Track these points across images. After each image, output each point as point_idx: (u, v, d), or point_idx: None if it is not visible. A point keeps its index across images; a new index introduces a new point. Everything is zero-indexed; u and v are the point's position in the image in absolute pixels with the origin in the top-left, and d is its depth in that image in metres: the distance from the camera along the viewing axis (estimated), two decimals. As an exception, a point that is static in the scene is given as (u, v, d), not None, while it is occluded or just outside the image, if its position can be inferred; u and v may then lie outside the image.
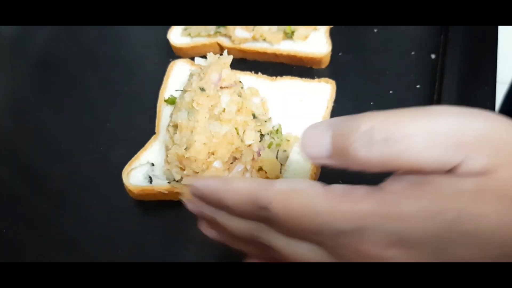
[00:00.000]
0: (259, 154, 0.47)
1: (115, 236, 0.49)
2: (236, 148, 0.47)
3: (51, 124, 0.58)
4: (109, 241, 0.49)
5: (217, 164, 0.46)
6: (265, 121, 0.49)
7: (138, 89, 0.58)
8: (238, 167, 0.47)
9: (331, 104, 0.52)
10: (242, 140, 0.47)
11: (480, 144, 0.28)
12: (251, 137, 0.47)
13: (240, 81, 0.50)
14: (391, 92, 0.53)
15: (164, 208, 0.50)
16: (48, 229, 0.51)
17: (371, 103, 0.53)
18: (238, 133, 0.47)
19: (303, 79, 0.53)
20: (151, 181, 0.49)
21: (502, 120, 0.29)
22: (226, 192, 0.33)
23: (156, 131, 0.53)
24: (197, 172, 0.46)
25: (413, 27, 0.57)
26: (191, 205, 0.37)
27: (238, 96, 0.48)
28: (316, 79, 0.53)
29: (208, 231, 0.38)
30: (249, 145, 0.47)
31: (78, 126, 0.57)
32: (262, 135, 0.48)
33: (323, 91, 0.52)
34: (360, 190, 0.29)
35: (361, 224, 0.28)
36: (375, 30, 0.58)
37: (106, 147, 0.55)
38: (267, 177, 0.47)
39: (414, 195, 0.28)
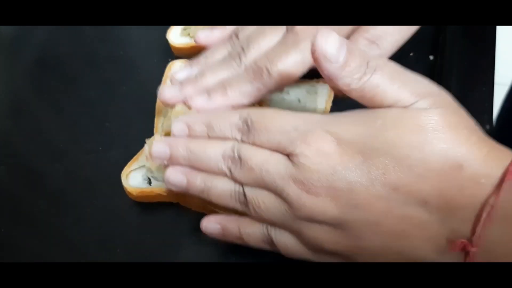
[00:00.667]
0: None
1: (113, 236, 0.50)
2: None
3: (50, 123, 0.58)
4: (108, 241, 0.49)
5: None
6: None
7: (137, 89, 0.58)
8: None
9: (329, 105, 0.52)
10: None
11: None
12: None
13: None
14: (389, 93, 0.53)
15: (163, 208, 0.50)
16: (46, 228, 0.51)
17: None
18: None
19: (302, 80, 0.53)
20: (150, 183, 0.49)
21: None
22: (216, 115, 0.42)
23: (154, 131, 0.53)
24: None
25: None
26: (162, 147, 0.43)
27: None
28: (315, 80, 0.53)
29: (175, 175, 0.43)
30: None
31: (76, 125, 0.57)
32: None
33: (321, 91, 0.52)
34: None
35: (313, 124, 0.38)
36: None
37: (105, 146, 0.55)
38: None
39: (359, 113, 0.38)
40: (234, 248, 0.45)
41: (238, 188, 0.41)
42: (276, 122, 0.39)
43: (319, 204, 0.37)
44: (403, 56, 0.56)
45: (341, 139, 0.36)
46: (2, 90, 0.62)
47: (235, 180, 0.41)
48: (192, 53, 0.56)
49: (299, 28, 0.45)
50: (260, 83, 0.45)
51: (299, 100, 0.52)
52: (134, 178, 0.50)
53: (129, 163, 0.50)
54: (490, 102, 0.51)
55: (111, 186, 0.52)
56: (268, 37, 0.47)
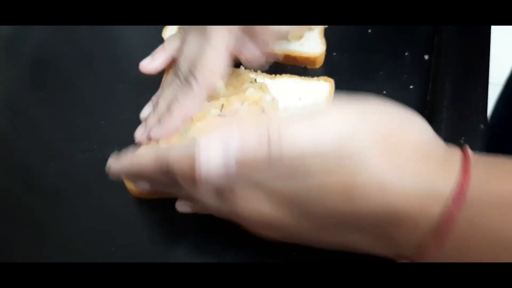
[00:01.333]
0: None
1: (109, 235, 0.49)
2: None
3: (45, 122, 0.58)
4: (104, 240, 0.49)
5: None
6: None
7: (133, 87, 0.58)
8: None
9: (331, 99, 0.52)
10: None
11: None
12: None
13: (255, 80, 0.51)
14: (384, 92, 0.54)
15: (160, 206, 0.50)
16: (41, 227, 0.50)
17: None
18: None
19: (302, 77, 0.54)
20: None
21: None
22: (139, 167, 0.43)
23: None
24: None
25: (407, 28, 0.58)
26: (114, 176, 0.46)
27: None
28: (315, 78, 0.53)
29: (141, 185, 0.47)
30: None
31: (72, 124, 0.57)
32: None
33: (321, 89, 0.53)
34: None
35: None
36: (369, 31, 0.58)
37: (100, 145, 0.55)
38: None
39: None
40: (234, 247, 0.46)
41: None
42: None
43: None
44: (398, 56, 0.56)
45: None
46: (0, 89, 0.61)
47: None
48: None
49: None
50: (189, 89, 0.47)
51: (299, 99, 0.53)
52: None
53: None
54: (485, 102, 0.51)
55: (106, 184, 0.52)
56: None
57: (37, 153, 0.55)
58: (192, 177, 0.36)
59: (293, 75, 0.54)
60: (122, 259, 0.48)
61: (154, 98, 0.52)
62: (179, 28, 0.58)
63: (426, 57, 0.56)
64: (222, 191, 0.37)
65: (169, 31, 0.58)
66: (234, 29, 0.46)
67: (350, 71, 0.54)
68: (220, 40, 0.46)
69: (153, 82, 0.55)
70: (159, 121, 0.48)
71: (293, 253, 0.46)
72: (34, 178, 0.54)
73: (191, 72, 0.47)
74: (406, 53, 0.56)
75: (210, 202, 0.39)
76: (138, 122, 0.55)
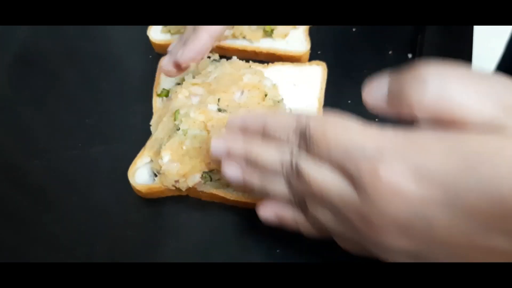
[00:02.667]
0: None
1: (96, 233, 0.49)
2: None
3: (29, 120, 0.58)
4: (88, 238, 0.49)
5: None
6: (278, 102, 0.50)
7: (118, 85, 0.58)
8: None
9: (324, 86, 0.53)
10: None
11: None
12: None
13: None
14: (368, 90, 0.54)
15: (146, 204, 0.50)
16: (27, 225, 0.50)
17: (348, 101, 0.53)
18: None
19: (295, 63, 0.54)
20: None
21: None
22: (273, 117, 0.39)
23: (153, 111, 0.53)
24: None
25: (391, 27, 0.58)
26: (221, 143, 0.41)
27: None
28: (307, 63, 0.54)
29: (233, 170, 0.41)
30: None
31: (56, 122, 0.57)
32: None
33: (314, 73, 0.54)
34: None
35: (386, 148, 0.31)
36: (354, 29, 0.59)
37: (85, 143, 0.55)
38: None
39: (443, 137, 0.30)
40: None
41: (295, 195, 0.38)
42: (338, 139, 0.34)
43: (388, 241, 0.32)
44: (382, 54, 0.57)
45: (421, 174, 0.30)
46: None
47: (292, 187, 0.38)
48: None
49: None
50: None
51: (294, 84, 0.54)
52: (140, 176, 0.50)
53: (134, 161, 0.50)
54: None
55: (92, 182, 0.52)
56: None
57: (21, 151, 0.55)
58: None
59: (285, 62, 0.54)
60: (107, 257, 0.48)
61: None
62: (165, 26, 0.58)
63: (410, 55, 0.56)
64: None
65: (154, 28, 0.58)
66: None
67: (334, 69, 0.55)
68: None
69: (139, 80, 0.55)
70: (184, 43, 0.49)
71: (277, 250, 0.47)
72: (18, 177, 0.54)
73: None
74: (390, 52, 0.57)
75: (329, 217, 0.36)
76: (123, 119, 0.55)
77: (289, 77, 0.54)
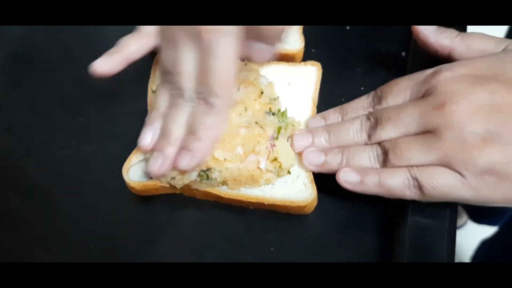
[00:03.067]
0: (272, 146, 0.47)
1: (88, 231, 0.50)
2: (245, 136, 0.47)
3: (23, 118, 0.57)
4: (81, 236, 0.49)
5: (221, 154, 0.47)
6: (274, 99, 0.50)
7: (112, 83, 0.57)
8: (251, 157, 0.47)
9: (318, 86, 0.53)
10: (257, 123, 0.48)
11: None
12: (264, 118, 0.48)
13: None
14: (362, 88, 0.54)
15: (139, 202, 0.50)
16: (19, 224, 0.51)
17: (343, 99, 0.53)
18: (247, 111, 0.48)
19: (289, 63, 0.55)
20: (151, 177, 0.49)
21: None
22: (348, 102, 0.50)
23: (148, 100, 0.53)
24: None
25: (385, 25, 0.58)
26: (305, 136, 0.48)
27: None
28: (302, 63, 0.55)
29: (317, 155, 0.47)
30: (261, 131, 0.47)
31: (50, 120, 0.57)
32: (273, 114, 0.49)
33: (309, 73, 0.54)
34: None
35: (443, 66, 0.45)
36: (348, 28, 0.59)
37: (79, 141, 0.55)
38: (280, 168, 0.47)
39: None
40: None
41: (376, 148, 0.45)
42: (403, 79, 0.46)
43: (465, 117, 0.40)
44: (377, 52, 0.57)
45: (473, 70, 0.43)
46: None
47: (374, 141, 0.45)
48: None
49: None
50: (213, 108, 0.43)
51: (289, 84, 0.54)
52: (134, 173, 0.50)
53: (128, 158, 0.50)
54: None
55: (86, 180, 0.52)
56: None
57: (15, 150, 0.55)
58: None
59: (280, 62, 0.54)
60: (101, 255, 0.48)
61: (152, 122, 0.47)
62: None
63: (403, 53, 0.57)
64: None
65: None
66: (239, 33, 0.42)
67: (328, 67, 0.55)
68: (227, 48, 0.41)
69: (134, 79, 0.55)
70: (185, 149, 0.44)
71: (271, 248, 0.47)
72: (12, 176, 0.54)
73: (208, 90, 0.42)
74: (384, 50, 0.57)
75: None
76: (117, 118, 0.55)
77: (284, 76, 0.54)
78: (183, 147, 0.44)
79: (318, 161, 0.47)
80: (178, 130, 0.45)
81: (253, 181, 0.48)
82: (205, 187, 0.48)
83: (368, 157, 0.45)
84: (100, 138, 0.54)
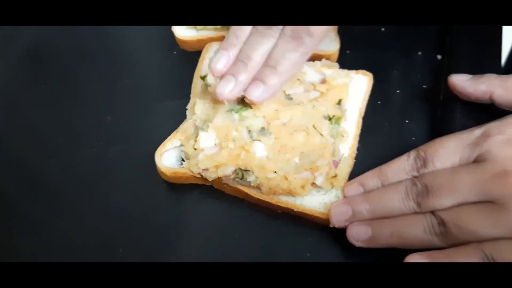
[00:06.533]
0: (336, 163, 0.46)
1: (113, 235, 0.47)
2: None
3: (45, 118, 0.55)
4: (108, 240, 0.47)
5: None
6: (340, 105, 0.49)
7: (140, 82, 0.56)
8: (305, 174, 0.45)
9: (367, 96, 0.52)
10: (314, 128, 0.47)
11: None
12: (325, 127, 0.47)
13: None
14: (397, 91, 0.53)
15: (166, 206, 0.49)
16: (40, 227, 0.48)
17: (378, 102, 0.52)
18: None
19: (340, 69, 0.52)
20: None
21: None
22: (387, 165, 0.44)
23: (191, 96, 0.52)
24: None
25: (420, 27, 0.57)
26: (344, 207, 0.43)
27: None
28: (353, 71, 0.52)
29: (363, 229, 0.42)
30: (324, 141, 0.46)
31: (73, 120, 0.55)
32: (329, 119, 0.48)
33: (359, 82, 0.52)
34: None
35: (491, 127, 0.41)
36: (383, 29, 0.58)
37: (105, 142, 0.53)
38: (332, 183, 0.46)
39: None
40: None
41: (430, 218, 0.40)
42: (449, 140, 0.42)
43: None
44: (411, 55, 0.56)
45: None
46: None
47: (425, 210, 0.40)
48: (198, 46, 0.54)
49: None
50: (302, 46, 0.44)
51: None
52: (167, 159, 0.49)
53: (163, 143, 0.49)
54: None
55: (111, 182, 0.50)
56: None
57: (36, 151, 0.53)
58: None
59: (331, 65, 0.52)
60: (127, 260, 0.46)
61: (227, 48, 0.47)
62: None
63: (439, 57, 0.55)
64: None
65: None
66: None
67: (363, 69, 0.53)
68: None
69: (162, 77, 0.54)
70: (262, 81, 0.45)
71: (307, 254, 0.45)
72: (33, 177, 0.51)
73: (304, 27, 0.44)
74: (419, 53, 0.56)
75: None
76: (144, 116, 0.53)
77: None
78: (257, 79, 0.45)
79: (364, 236, 0.42)
80: (257, 58, 0.45)
81: (290, 193, 0.46)
82: (235, 185, 0.47)
83: (423, 228, 0.40)
84: (127, 139, 0.52)
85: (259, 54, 0.45)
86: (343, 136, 0.48)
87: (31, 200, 0.50)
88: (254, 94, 0.44)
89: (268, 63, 0.45)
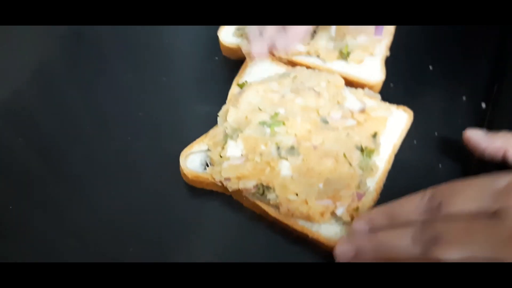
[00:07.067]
0: (361, 196, 0.45)
1: (124, 230, 0.47)
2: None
3: (78, 102, 0.55)
4: (119, 235, 0.47)
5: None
6: (375, 138, 0.48)
7: (178, 82, 0.55)
8: (326, 201, 0.44)
9: (404, 134, 0.50)
10: (345, 157, 0.46)
11: None
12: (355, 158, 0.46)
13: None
14: (435, 133, 0.52)
15: (181, 206, 0.48)
16: (57, 212, 0.48)
17: (414, 141, 0.51)
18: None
19: (381, 101, 0.51)
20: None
21: None
22: (400, 204, 0.41)
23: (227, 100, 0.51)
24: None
25: (468, 70, 0.55)
26: (348, 246, 0.41)
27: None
28: (395, 105, 0.51)
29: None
30: (352, 171, 0.45)
31: (107, 110, 0.54)
32: (361, 150, 0.47)
33: (398, 117, 0.51)
34: None
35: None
36: (431, 67, 0.56)
37: (133, 136, 0.52)
38: (353, 215, 0.44)
39: None
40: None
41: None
42: (469, 186, 0.39)
43: None
44: (456, 98, 0.54)
45: None
46: (33, 61, 0.59)
47: (429, 259, 0.37)
48: (241, 55, 0.53)
49: None
50: None
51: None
52: (192, 161, 0.48)
53: (190, 145, 0.48)
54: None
55: (132, 177, 0.50)
56: None
57: (64, 133, 0.53)
58: None
59: (372, 96, 0.51)
60: (138, 257, 0.45)
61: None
62: (237, 29, 0.56)
63: (483, 105, 0.53)
64: None
65: (226, 30, 0.56)
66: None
67: (404, 105, 0.52)
68: None
69: (199, 79, 0.53)
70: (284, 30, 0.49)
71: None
72: (57, 159, 0.51)
73: None
74: (464, 97, 0.54)
75: None
76: (176, 116, 0.53)
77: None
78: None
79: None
80: None
81: (308, 219, 0.44)
82: (255, 199, 0.46)
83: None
84: (155, 136, 0.52)
85: None
86: (372, 170, 0.47)
87: (51, 182, 0.50)
88: (280, 43, 0.50)
89: None
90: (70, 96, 0.56)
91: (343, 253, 0.41)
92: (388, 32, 0.55)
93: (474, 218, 0.37)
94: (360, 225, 0.42)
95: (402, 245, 0.38)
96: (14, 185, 0.50)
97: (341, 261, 0.41)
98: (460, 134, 0.51)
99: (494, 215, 0.36)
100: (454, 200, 0.38)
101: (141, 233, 0.47)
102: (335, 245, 0.42)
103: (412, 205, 0.40)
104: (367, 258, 0.40)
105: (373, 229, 0.41)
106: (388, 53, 0.55)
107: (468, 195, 0.38)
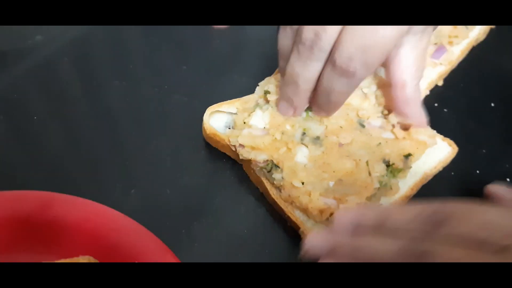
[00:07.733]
0: None
1: (130, 175, 0.48)
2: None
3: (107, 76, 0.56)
4: (122, 177, 0.47)
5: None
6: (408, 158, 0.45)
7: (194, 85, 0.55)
8: (331, 201, 0.43)
9: (441, 167, 0.47)
10: (367, 165, 0.44)
11: None
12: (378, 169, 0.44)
13: None
14: (477, 171, 0.48)
15: (195, 170, 0.48)
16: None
17: (452, 173, 0.48)
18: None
19: (428, 130, 0.48)
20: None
21: None
22: (399, 210, 0.35)
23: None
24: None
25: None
26: (322, 239, 0.35)
27: None
28: (441, 136, 0.48)
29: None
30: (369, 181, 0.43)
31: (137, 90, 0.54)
32: (388, 166, 0.44)
33: (440, 149, 0.48)
34: None
35: None
36: (492, 105, 0.53)
37: (169, 87, 0.53)
38: None
39: None
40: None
41: None
42: (491, 213, 0.32)
43: None
44: (510, 141, 0.50)
45: None
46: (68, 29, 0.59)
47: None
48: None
49: None
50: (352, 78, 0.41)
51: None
52: (216, 120, 0.48)
53: (219, 103, 0.49)
54: None
55: (157, 127, 0.51)
56: None
57: (90, 111, 0.53)
58: None
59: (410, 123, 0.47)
60: (136, 199, 0.45)
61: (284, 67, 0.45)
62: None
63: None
64: None
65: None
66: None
67: (452, 137, 0.49)
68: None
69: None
70: (319, 107, 0.45)
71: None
72: (76, 136, 0.51)
73: (357, 56, 0.39)
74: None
75: None
76: (220, 82, 0.54)
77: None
78: (314, 103, 0.45)
79: None
80: (305, 86, 0.43)
81: (305, 212, 0.43)
82: (260, 175, 0.45)
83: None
84: (192, 93, 0.53)
85: (305, 81, 0.43)
86: (391, 189, 0.44)
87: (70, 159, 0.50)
88: (321, 114, 0.46)
89: (319, 90, 0.43)
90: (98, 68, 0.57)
91: (315, 245, 0.35)
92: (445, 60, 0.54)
93: (479, 247, 0.31)
94: (345, 219, 0.36)
95: (386, 256, 0.32)
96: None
97: (309, 253, 0.35)
98: (503, 180, 0.47)
99: (502, 250, 0.30)
100: (463, 224, 0.32)
101: (143, 178, 0.47)
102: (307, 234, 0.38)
103: (408, 216, 0.34)
104: (341, 259, 0.34)
105: (358, 230, 0.35)
106: (441, 83, 0.54)
107: (482, 222, 0.32)
